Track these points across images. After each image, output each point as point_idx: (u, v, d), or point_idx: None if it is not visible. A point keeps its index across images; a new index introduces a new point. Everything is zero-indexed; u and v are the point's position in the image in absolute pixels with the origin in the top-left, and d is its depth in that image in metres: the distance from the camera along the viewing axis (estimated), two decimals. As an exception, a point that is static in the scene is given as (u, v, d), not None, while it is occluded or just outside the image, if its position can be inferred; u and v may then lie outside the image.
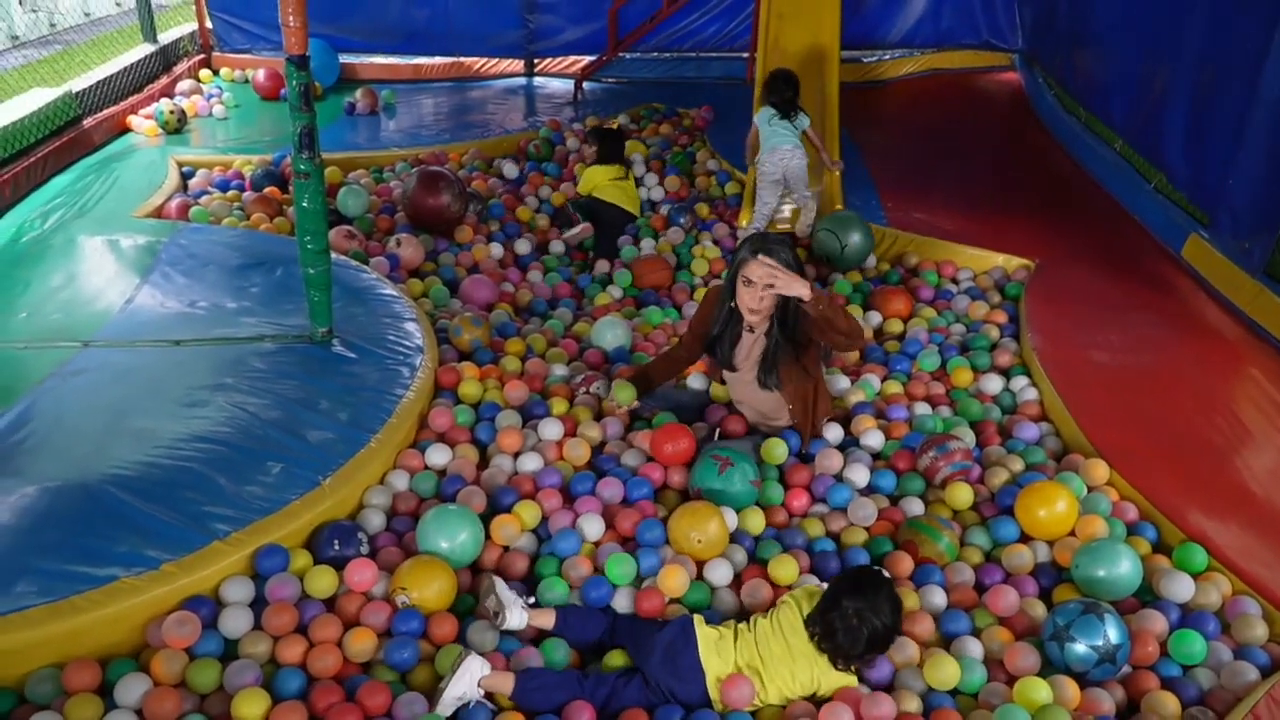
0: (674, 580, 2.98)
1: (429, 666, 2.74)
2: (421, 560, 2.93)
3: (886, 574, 2.74)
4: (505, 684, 2.62)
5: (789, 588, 2.98)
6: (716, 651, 2.68)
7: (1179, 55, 5.58)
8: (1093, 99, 7.08)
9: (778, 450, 3.59)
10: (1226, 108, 5.00)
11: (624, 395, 3.76)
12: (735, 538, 3.25)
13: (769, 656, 2.66)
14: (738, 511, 3.31)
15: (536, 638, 2.88)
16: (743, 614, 2.93)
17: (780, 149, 5.41)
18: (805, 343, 3.52)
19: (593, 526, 3.22)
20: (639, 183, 6.23)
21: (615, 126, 6.69)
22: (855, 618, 2.57)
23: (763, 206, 5.53)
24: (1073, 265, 5.14)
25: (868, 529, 3.30)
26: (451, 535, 3.01)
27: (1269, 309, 4.46)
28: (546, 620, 2.86)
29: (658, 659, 2.68)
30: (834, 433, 3.76)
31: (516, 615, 2.81)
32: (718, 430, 3.75)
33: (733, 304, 3.51)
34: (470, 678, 2.59)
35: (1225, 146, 4.95)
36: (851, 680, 2.69)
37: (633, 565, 3.03)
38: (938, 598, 3.00)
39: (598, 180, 5.86)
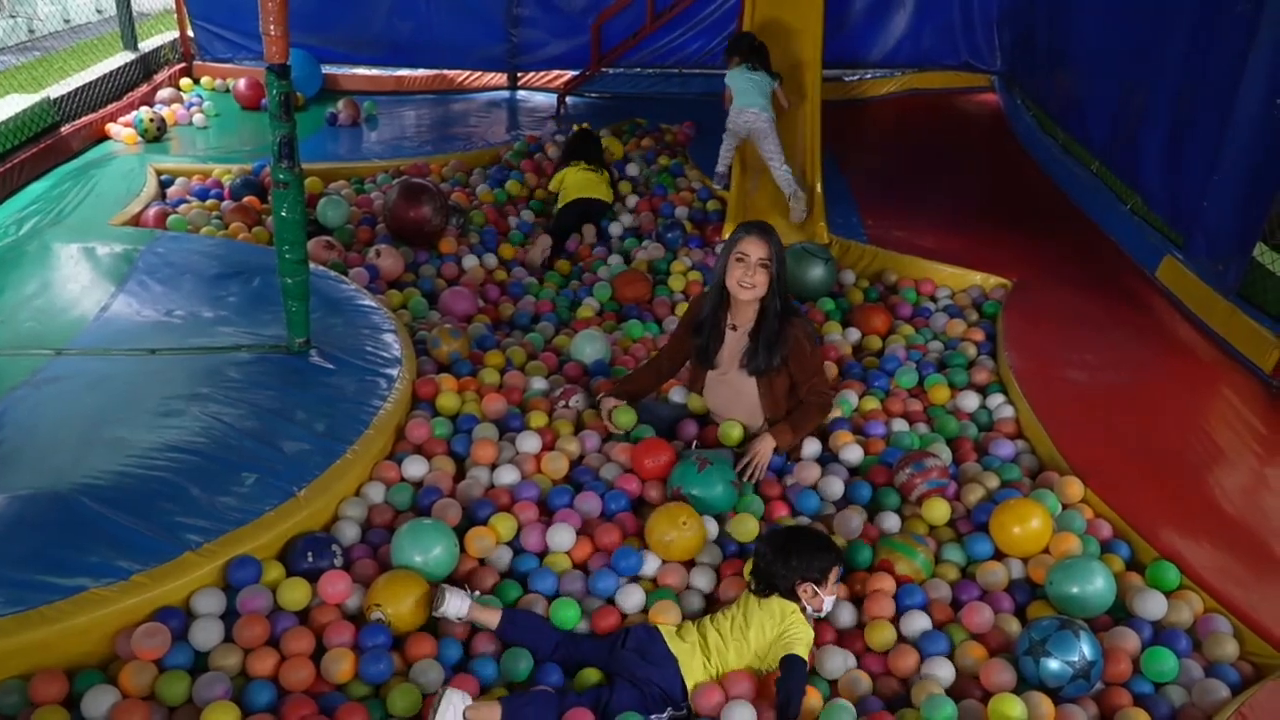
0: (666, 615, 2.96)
1: (403, 681, 2.71)
2: (396, 576, 2.91)
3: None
4: (492, 715, 2.57)
5: None
6: (680, 637, 2.79)
7: (1156, 78, 5.64)
8: (1070, 121, 7.15)
9: (734, 432, 3.67)
10: (1202, 131, 5.05)
11: (624, 419, 3.74)
12: (723, 544, 3.29)
13: (726, 630, 2.81)
14: (717, 515, 3.33)
15: (499, 652, 2.85)
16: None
17: (746, 111, 5.76)
18: (783, 364, 3.62)
19: (566, 543, 3.21)
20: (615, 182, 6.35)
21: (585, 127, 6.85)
22: (777, 555, 2.85)
23: (724, 156, 6.00)
24: (1049, 284, 5.18)
25: (849, 542, 3.30)
26: (425, 549, 2.99)
27: (1242, 330, 4.50)
28: (490, 617, 2.83)
29: (632, 656, 2.73)
30: (812, 447, 3.76)
31: (456, 602, 2.79)
32: (695, 441, 3.78)
33: (722, 295, 3.61)
34: (455, 713, 2.54)
35: (1200, 169, 4.99)
36: (796, 613, 2.81)
37: (577, 610, 2.95)
38: (915, 616, 3.00)
39: (563, 176, 6.08)
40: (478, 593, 2.89)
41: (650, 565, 3.17)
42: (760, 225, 3.60)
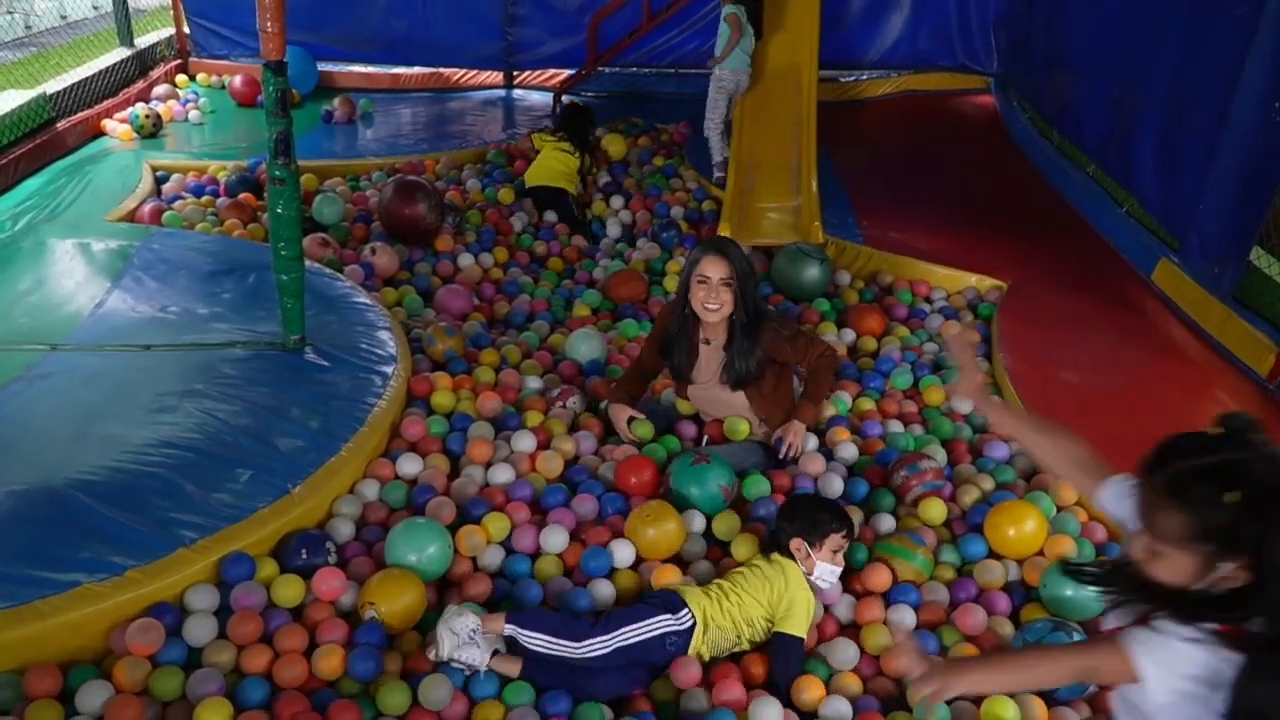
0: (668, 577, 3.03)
1: (394, 678, 2.70)
2: (391, 574, 2.90)
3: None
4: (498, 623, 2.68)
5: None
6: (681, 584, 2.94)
7: (1151, 81, 5.65)
8: (1066, 123, 7.16)
9: (741, 426, 3.69)
10: (1198, 134, 5.06)
11: (642, 431, 3.72)
12: (709, 540, 3.30)
13: (731, 581, 2.89)
14: (708, 516, 3.32)
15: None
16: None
17: (740, 72, 6.21)
18: (768, 361, 3.57)
19: (559, 545, 3.21)
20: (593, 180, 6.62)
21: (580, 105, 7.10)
22: (782, 512, 3.06)
23: (717, 115, 6.28)
24: (1044, 287, 5.19)
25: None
26: (420, 548, 2.98)
27: (1237, 333, 4.51)
28: (511, 667, 2.72)
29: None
30: (808, 444, 3.76)
31: (476, 653, 2.67)
32: (706, 437, 3.77)
33: (688, 313, 3.54)
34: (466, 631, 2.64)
35: (1196, 172, 5.01)
36: (798, 574, 2.88)
37: None
38: (909, 617, 3.01)
39: (541, 149, 6.40)
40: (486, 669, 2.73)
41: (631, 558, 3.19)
42: (718, 244, 3.50)
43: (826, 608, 3.04)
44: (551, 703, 2.64)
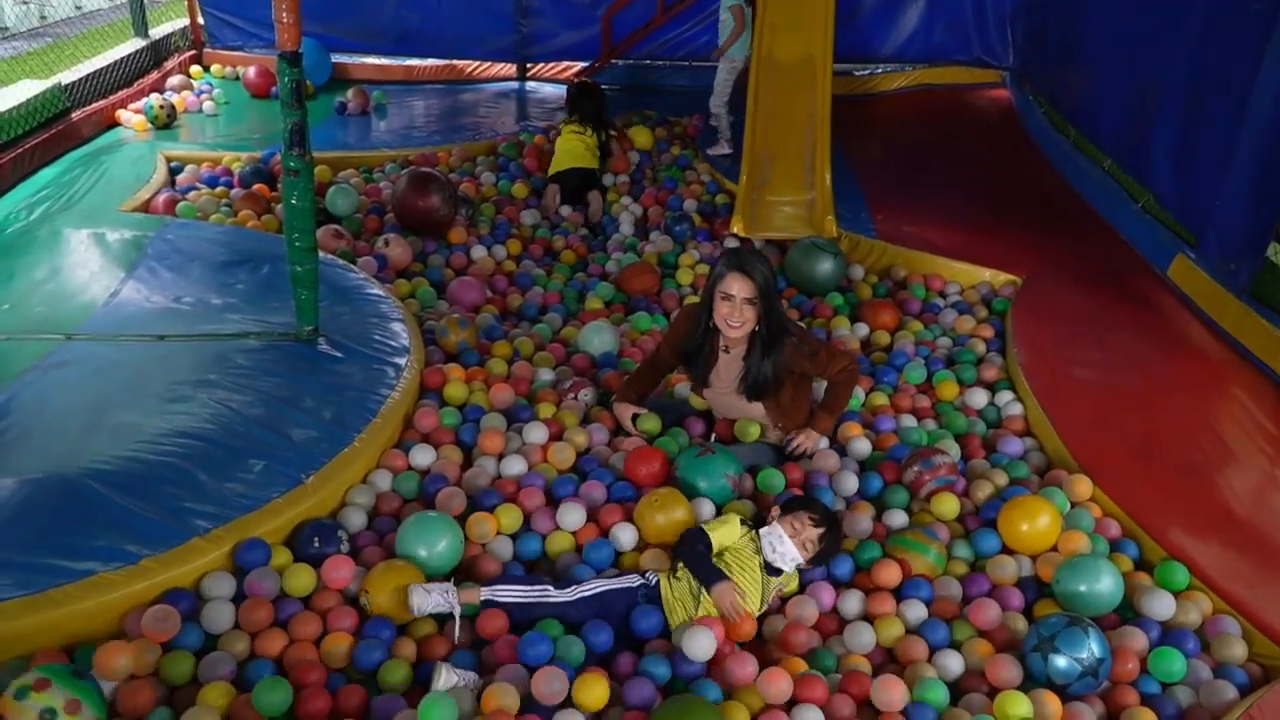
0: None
1: (399, 665, 2.70)
2: (394, 565, 2.89)
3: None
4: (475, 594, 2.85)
5: None
6: None
7: (1168, 76, 5.61)
8: (1082, 118, 7.12)
9: (751, 429, 3.71)
10: (1214, 129, 5.03)
11: (649, 425, 3.72)
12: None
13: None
14: (718, 506, 3.32)
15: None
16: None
17: (747, 57, 6.37)
18: (788, 372, 3.56)
19: (574, 523, 3.23)
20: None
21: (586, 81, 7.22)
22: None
23: (727, 93, 6.83)
24: (1060, 282, 5.16)
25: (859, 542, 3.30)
26: (431, 543, 2.98)
27: (1253, 329, 4.48)
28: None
29: None
30: (821, 443, 3.75)
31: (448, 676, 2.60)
32: (714, 435, 3.77)
33: (710, 323, 3.52)
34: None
35: (1213, 167, 4.97)
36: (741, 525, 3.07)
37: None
38: (922, 612, 3.00)
39: (561, 140, 6.43)
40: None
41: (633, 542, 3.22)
42: (742, 261, 3.41)
43: (835, 608, 3.04)
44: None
